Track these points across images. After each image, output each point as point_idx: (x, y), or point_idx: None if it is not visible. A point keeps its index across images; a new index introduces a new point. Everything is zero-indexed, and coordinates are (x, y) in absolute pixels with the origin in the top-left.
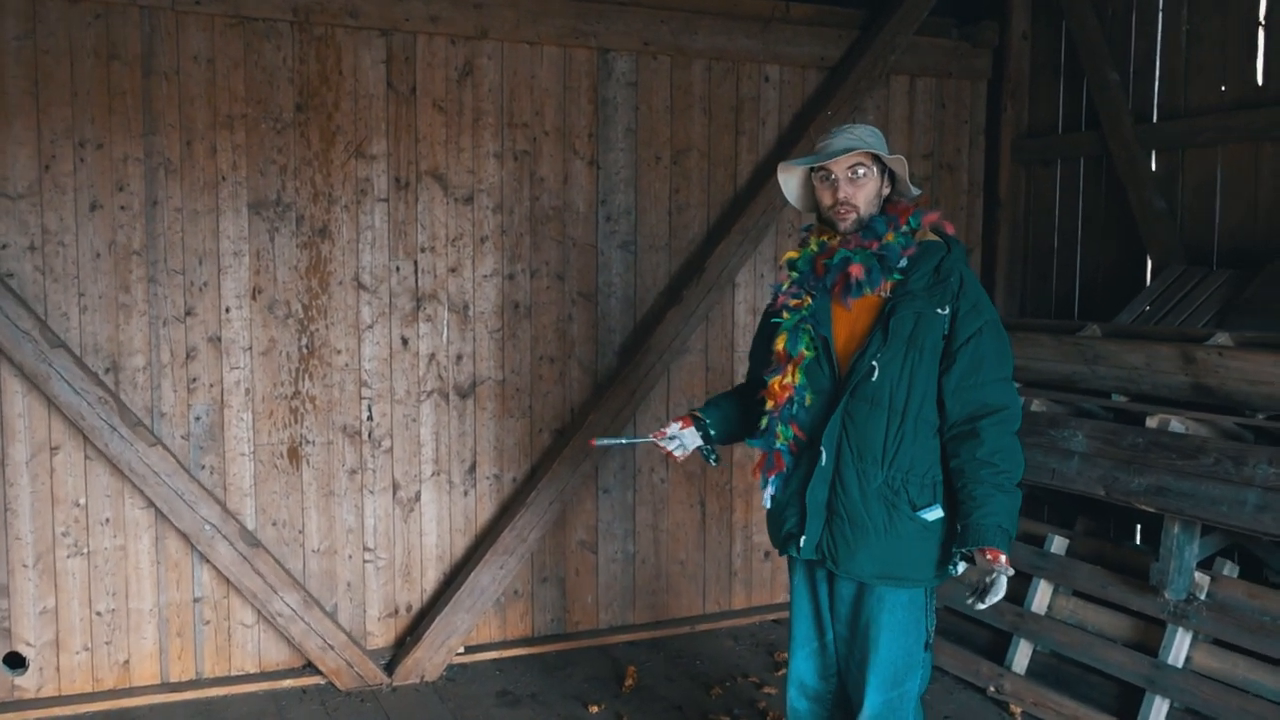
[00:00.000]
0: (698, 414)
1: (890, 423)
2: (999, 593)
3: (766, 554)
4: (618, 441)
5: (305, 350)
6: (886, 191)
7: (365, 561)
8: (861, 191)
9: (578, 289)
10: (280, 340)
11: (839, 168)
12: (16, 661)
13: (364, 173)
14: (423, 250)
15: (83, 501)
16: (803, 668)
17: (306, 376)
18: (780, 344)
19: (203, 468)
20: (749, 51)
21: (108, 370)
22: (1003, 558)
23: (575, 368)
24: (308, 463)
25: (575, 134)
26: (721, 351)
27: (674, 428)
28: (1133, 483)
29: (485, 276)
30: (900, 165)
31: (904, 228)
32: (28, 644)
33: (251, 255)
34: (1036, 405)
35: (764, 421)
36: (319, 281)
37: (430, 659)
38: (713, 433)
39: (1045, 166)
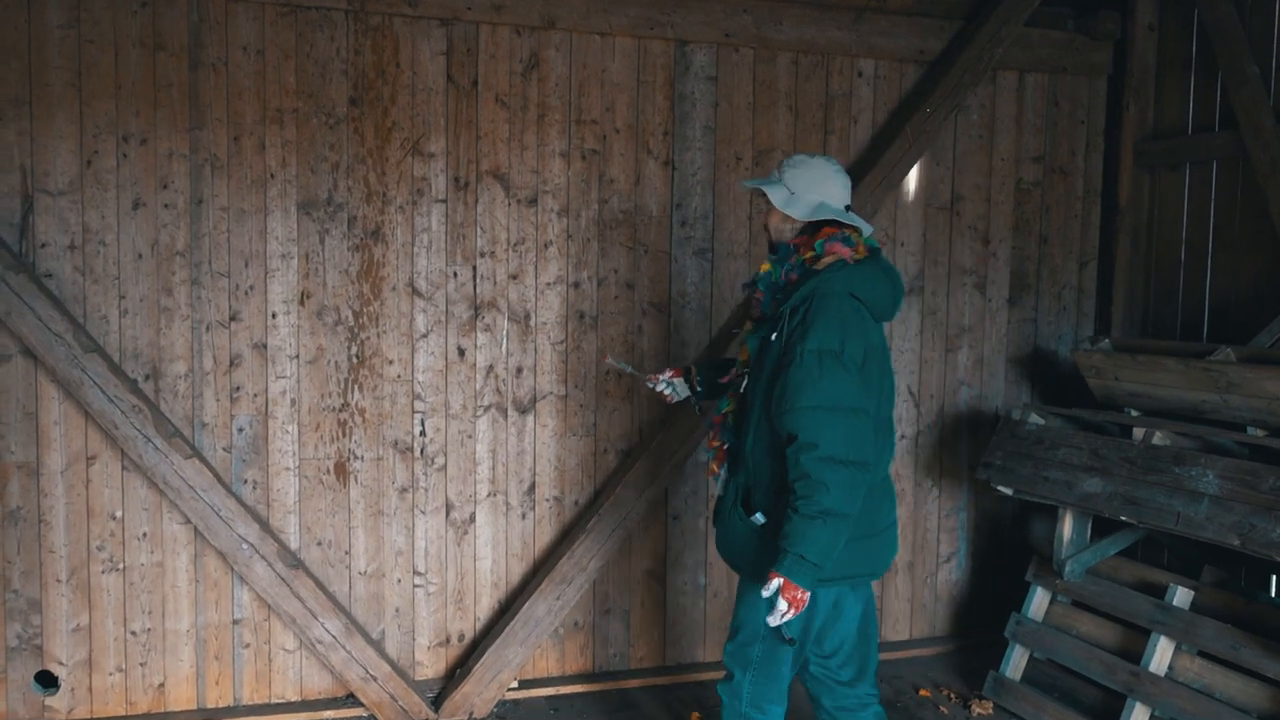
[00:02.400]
0: (690, 367)
1: (747, 427)
2: (777, 612)
3: None
4: (625, 367)
5: (355, 360)
6: (796, 222)
7: (415, 586)
8: (769, 217)
9: (649, 299)
10: (329, 348)
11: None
12: (48, 681)
13: (421, 172)
14: (482, 255)
15: (119, 514)
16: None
17: (356, 388)
18: (744, 354)
19: (244, 482)
20: (840, 44)
21: (147, 377)
22: (775, 581)
23: (644, 383)
24: (356, 479)
25: (649, 132)
26: None
27: (668, 374)
28: (1275, 532)
29: (548, 284)
30: (775, 193)
31: (802, 255)
32: (59, 663)
33: (300, 258)
34: (1159, 438)
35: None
36: (371, 287)
37: (480, 694)
38: (699, 389)
39: (1172, 171)
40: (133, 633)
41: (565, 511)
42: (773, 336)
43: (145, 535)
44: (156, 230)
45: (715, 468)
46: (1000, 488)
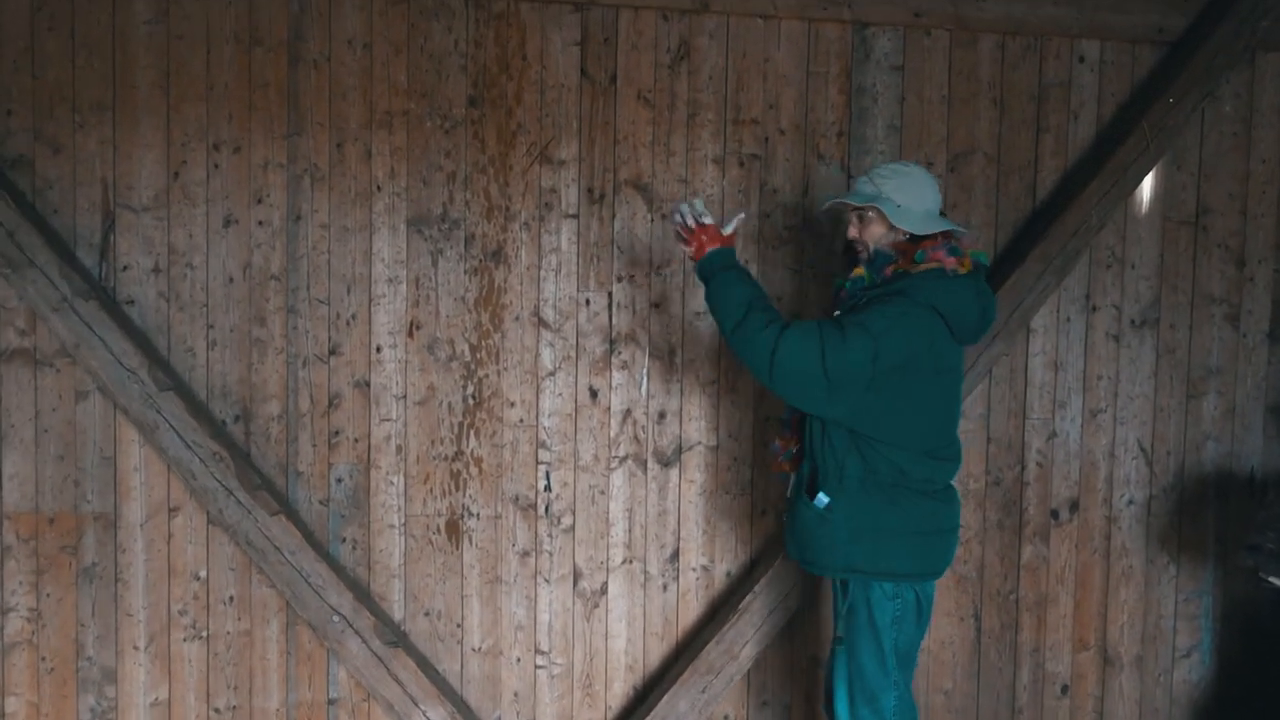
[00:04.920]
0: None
1: (812, 423)
2: (675, 214)
3: (1064, 688)
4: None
5: (471, 401)
6: (903, 233)
7: (537, 667)
8: (867, 231)
9: None
10: (441, 387)
11: (848, 210)
12: None
13: (549, 182)
14: (619, 279)
15: (203, 574)
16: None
17: (471, 433)
18: None
19: (343, 541)
20: (1057, 22)
21: (237, 418)
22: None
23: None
24: (470, 540)
25: (820, 132)
26: (1010, 418)
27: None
28: None
29: (698, 314)
30: (889, 209)
31: (901, 266)
32: None
33: (409, 282)
34: None
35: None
36: (490, 316)
37: None
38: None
39: None
40: (216, 710)
41: (715, 583)
42: (835, 314)
43: (232, 599)
44: (249, 251)
45: (786, 465)
46: (1274, 579)
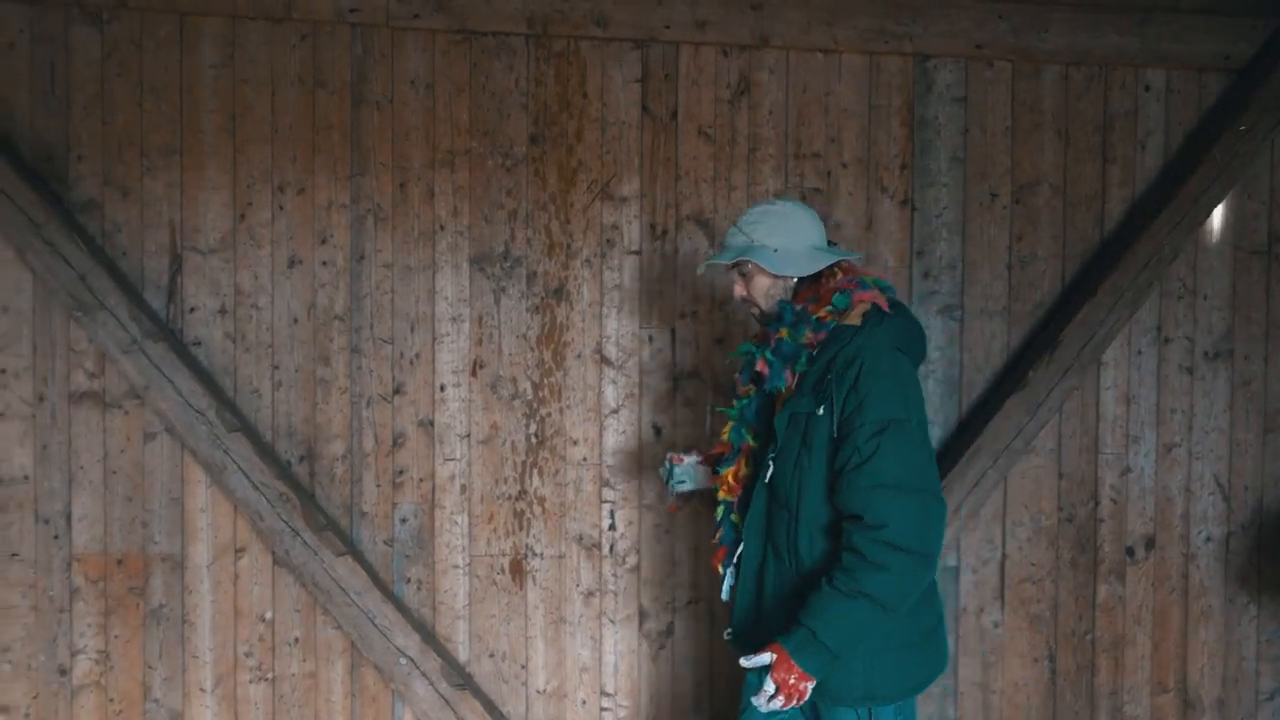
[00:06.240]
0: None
1: (789, 523)
2: (764, 694)
3: None
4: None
5: (534, 439)
6: (793, 278)
7: (603, 710)
8: (752, 286)
9: None
10: (504, 426)
11: (726, 269)
12: None
13: (611, 218)
14: (682, 316)
15: (269, 616)
16: None
17: (535, 472)
18: (725, 434)
19: (407, 581)
20: (1122, 52)
21: (302, 459)
22: (768, 655)
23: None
24: (534, 580)
25: (883, 165)
26: (1081, 454)
27: (693, 458)
28: None
29: None
30: (764, 258)
31: (818, 314)
32: None
33: (473, 321)
34: None
35: (719, 511)
36: (553, 354)
37: None
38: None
39: None
40: None
41: None
42: (819, 410)
43: (297, 640)
44: (313, 291)
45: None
46: None
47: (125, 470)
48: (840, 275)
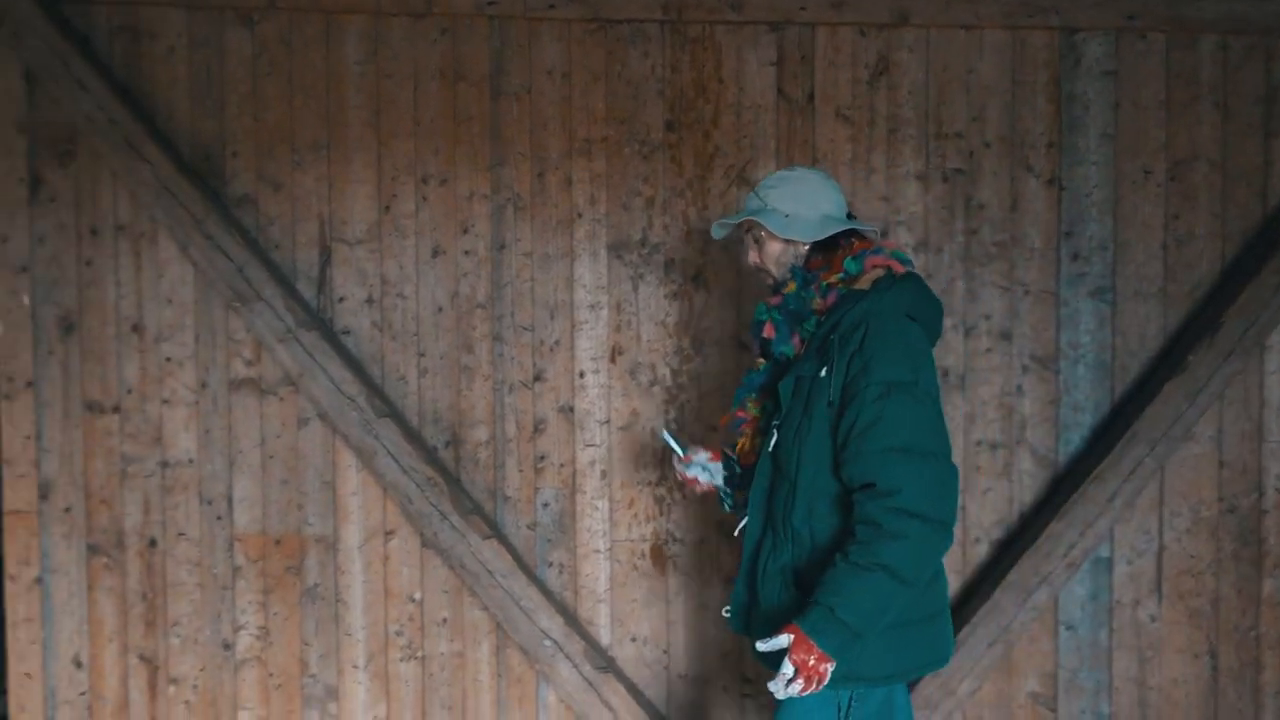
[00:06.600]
0: (727, 452)
1: (788, 494)
2: (782, 677)
3: None
4: (677, 448)
5: (673, 425)
6: (803, 245)
7: (744, 695)
8: (764, 253)
9: (1030, 351)
10: (644, 412)
11: (742, 234)
12: None
13: None
14: None
15: (418, 596)
16: None
17: (674, 458)
18: (735, 405)
19: (549, 565)
20: None
21: (447, 444)
22: (786, 636)
23: (1026, 457)
24: (674, 565)
25: (1028, 144)
26: (1243, 440)
27: (704, 456)
28: None
29: None
30: (772, 220)
31: (829, 279)
32: None
33: (611, 308)
34: None
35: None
36: (691, 341)
37: None
38: (738, 469)
39: None
40: None
41: None
42: (821, 373)
43: (445, 621)
44: (456, 280)
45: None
46: None
47: (281, 455)
48: (856, 246)
